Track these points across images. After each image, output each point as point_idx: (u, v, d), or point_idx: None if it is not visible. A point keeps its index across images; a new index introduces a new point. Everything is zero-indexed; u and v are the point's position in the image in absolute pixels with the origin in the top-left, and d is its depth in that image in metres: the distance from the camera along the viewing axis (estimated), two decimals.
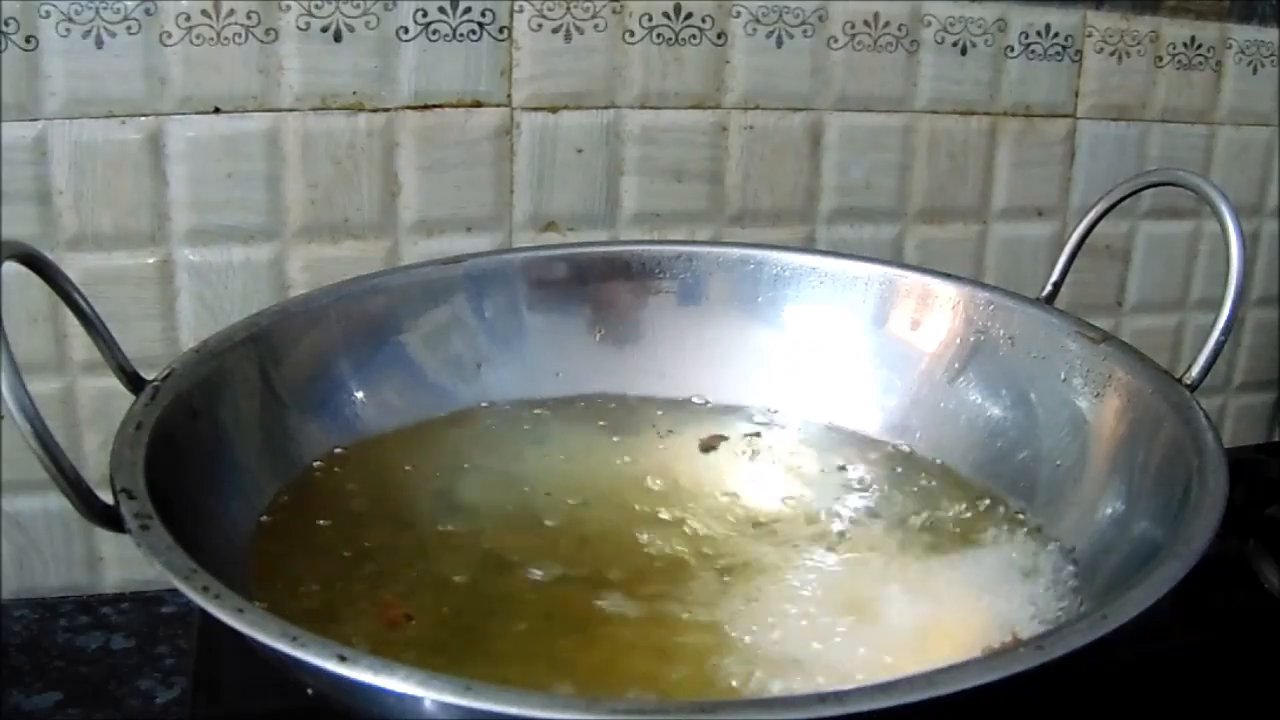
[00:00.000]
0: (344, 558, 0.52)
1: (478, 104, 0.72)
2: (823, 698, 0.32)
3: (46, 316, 0.67)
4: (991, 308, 0.63)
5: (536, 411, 0.65)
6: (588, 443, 0.63)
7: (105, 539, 0.71)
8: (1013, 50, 0.81)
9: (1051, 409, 0.59)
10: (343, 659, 0.33)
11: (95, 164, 0.66)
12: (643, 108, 0.75)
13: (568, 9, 0.72)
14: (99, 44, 0.65)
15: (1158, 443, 0.52)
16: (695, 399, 0.67)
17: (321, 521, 0.54)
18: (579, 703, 0.32)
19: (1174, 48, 0.85)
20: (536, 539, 0.54)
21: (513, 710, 0.31)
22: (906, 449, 0.63)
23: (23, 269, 0.48)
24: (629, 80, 0.75)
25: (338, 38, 0.69)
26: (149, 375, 0.51)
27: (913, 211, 0.83)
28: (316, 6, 0.68)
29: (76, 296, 0.50)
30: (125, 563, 0.72)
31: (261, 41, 0.67)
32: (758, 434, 0.64)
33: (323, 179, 0.71)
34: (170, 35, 0.66)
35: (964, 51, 0.80)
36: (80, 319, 0.51)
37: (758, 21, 0.76)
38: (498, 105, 0.73)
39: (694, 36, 0.75)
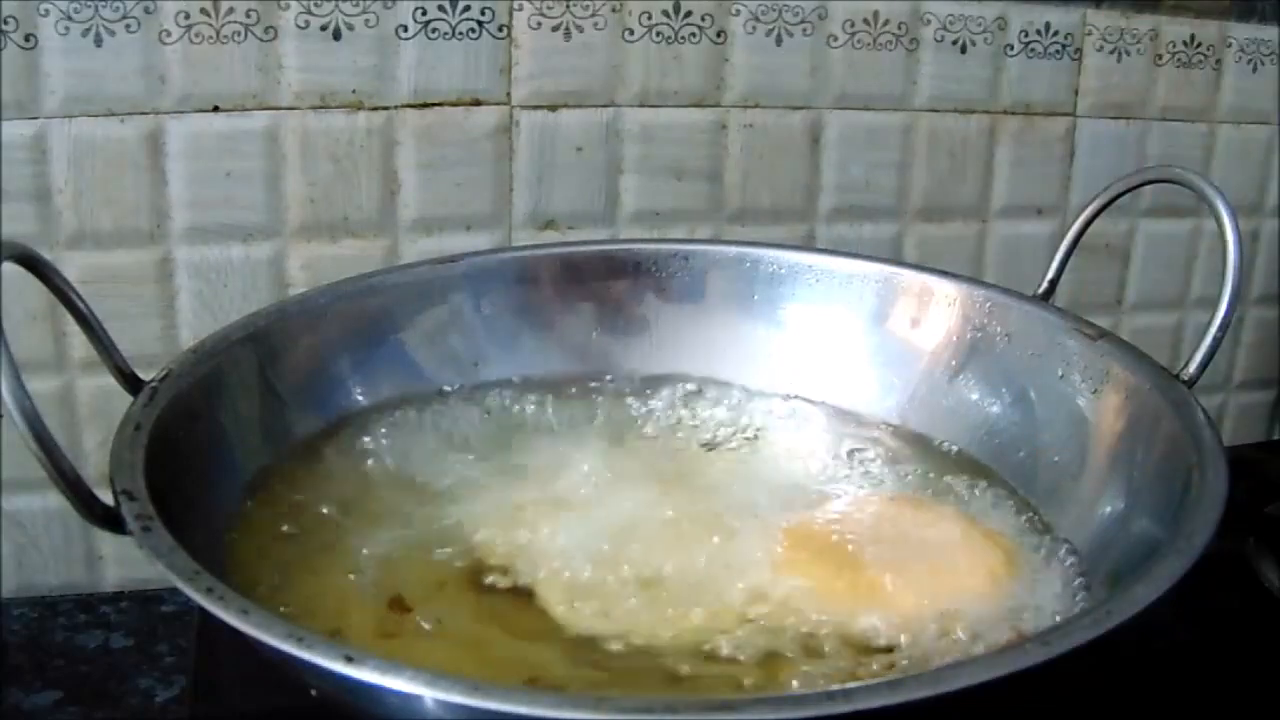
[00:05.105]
0: (344, 553, 0.52)
1: (477, 102, 0.72)
2: (831, 695, 0.32)
3: (45, 315, 0.67)
4: (989, 305, 0.63)
5: (533, 409, 0.65)
6: (586, 441, 0.62)
7: (104, 537, 0.71)
8: (1012, 49, 0.81)
9: (1050, 406, 0.59)
10: (349, 659, 0.33)
11: (94, 162, 0.66)
12: (642, 106, 0.75)
13: (567, 7, 0.72)
14: (98, 42, 0.65)
15: (1157, 439, 0.52)
16: (693, 397, 0.67)
17: (321, 518, 0.54)
18: (588, 701, 0.32)
19: (1174, 46, 0.85)
20: (535, 536, 0.53)
21: (522, 710, 0.31)
22: (905, 447, 0.63)
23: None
24: (628, 78, 0.75)
25: (337, 36, 0.69)
26: (150, 373, 0.51)
27: (912, 210, 0.83)
28: (316, 5, 0.68)
29: (74, 297, 0.50)
30: (124, 561, 0.72)
31: (261, 40, 0.67)
32: (757, 431, 0.64)
33: (322, 177, 0.71)
34: (169, 33, 0.66)
35: (964, 50, 0.80)
36: (77, 320, 0.51)
37: (757, 20, 0.76)
38: (497, 103, 0.73)
39: (693, 35, 0.75)
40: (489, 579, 0.50)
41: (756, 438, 0.64)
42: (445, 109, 0.72)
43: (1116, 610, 0.37)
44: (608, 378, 0.67)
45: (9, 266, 0.46)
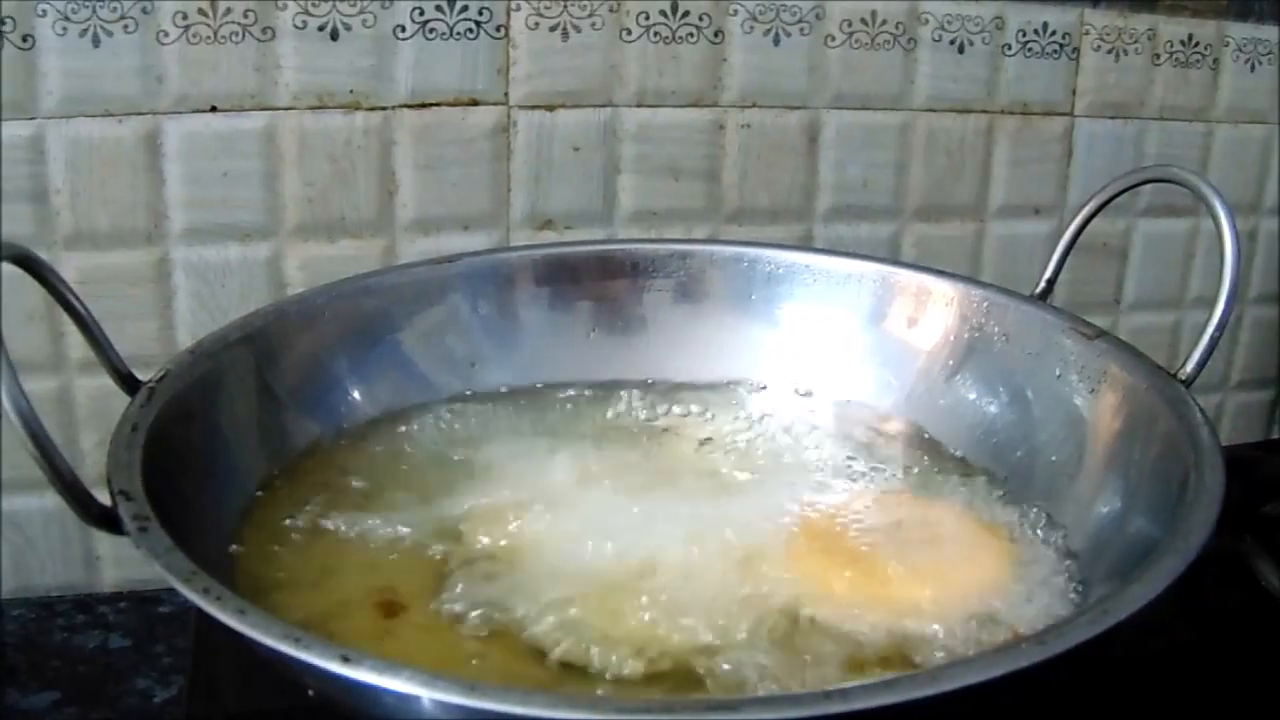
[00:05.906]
0: (340, 554, 0.52)
1: (475, 102, 0.72)
2: (828, 694, 0.32)
3: (42, 315, 0.67)
4: (986, 305, 0.63)
5: (531, 409, 0.65)
6: (584, 441, 0.62)
7: (102, 538, 0.71)
8: (1010, 48, 0.81)
9: (1047, 405, 0.59)
10: (346, 659, 0.33)
11: (92, 163, 0.66)
12: (640, 106, 0.75)
13: (564, 7, 0.72)
14: (96, 43, 0.65)
15: (1154, 438, 0.52)
16: (689, 396, 0.67)
17: (318, 519, 0.54)
18: (584, 701, 0.32)
19: (1171, 45, 0.85)
20: (535, 537, 0.53)
21: (518, 710, 0.31)
22: (902, 446, 0.63)
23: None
24: (626, 78, 0.75)
25: (334, 36, 0.69)
26: (147, 373, 0.51)
27: (910, 210, 0.83)
28: (313, 5, 0.68)
29: (71, 298, 0.50)
30: (122, 562, 0.72)
31: (258, 40, 0.67)
32: (755, 431, 0.64)
33: (319, 177, 0.71)
34: (167, 34, 0.66)
35: (961, 50, 0.80)
36: (75, 321, 0.51)
37: (755, 20, 0.76)
38: (495, 103, 0.73)
39: (691, 35, 0.75)
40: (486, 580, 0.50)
41: (755, 437, 0.64)
42: (443, 109, 0.72)
43: (1114, 609, 0.37)
44: (605, 378, 0.67)
45: (6, 267, 0.46)
